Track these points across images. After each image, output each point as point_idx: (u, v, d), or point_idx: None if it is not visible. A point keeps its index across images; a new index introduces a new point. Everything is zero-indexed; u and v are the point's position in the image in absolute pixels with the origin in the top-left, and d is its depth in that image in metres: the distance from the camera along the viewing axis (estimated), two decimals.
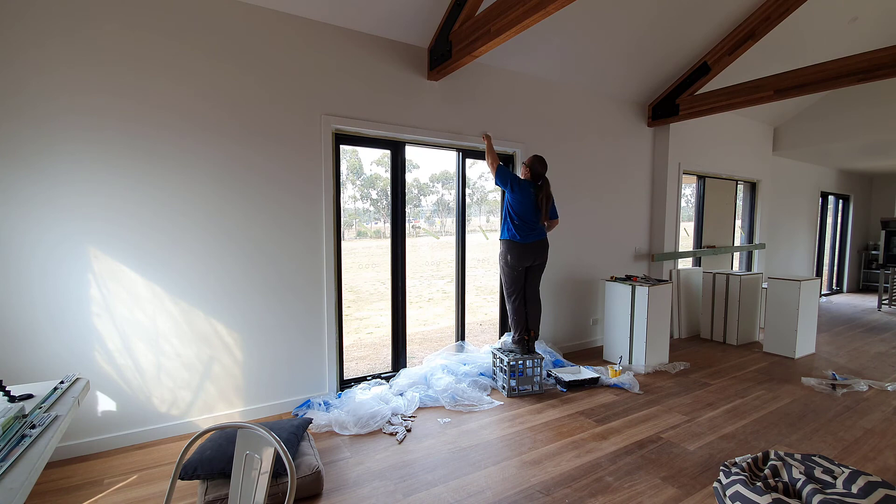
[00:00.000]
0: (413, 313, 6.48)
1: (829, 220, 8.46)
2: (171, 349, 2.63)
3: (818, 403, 3.20)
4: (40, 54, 2.23)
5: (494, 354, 3.50)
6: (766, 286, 4.54)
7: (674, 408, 3.11)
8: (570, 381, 3.42)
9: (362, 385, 3.21)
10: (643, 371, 3.81)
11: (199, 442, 2.22)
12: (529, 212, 3.34)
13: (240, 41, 2.71)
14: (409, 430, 2.76)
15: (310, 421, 2.41)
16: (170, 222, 2.59)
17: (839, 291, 8.61)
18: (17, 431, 1.20)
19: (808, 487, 1.79)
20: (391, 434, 2.72)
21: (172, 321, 2.63)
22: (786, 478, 1.91)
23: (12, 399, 1.39)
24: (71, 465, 2.36)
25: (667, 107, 4.77)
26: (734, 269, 6.25)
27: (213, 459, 1.95)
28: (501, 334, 4.21)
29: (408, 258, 3.55)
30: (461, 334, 3.92)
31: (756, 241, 6.42)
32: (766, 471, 1.98)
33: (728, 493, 1.85)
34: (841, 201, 8.61)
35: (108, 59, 2.38)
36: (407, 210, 3.49)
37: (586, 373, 3.64)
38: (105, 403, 2.50)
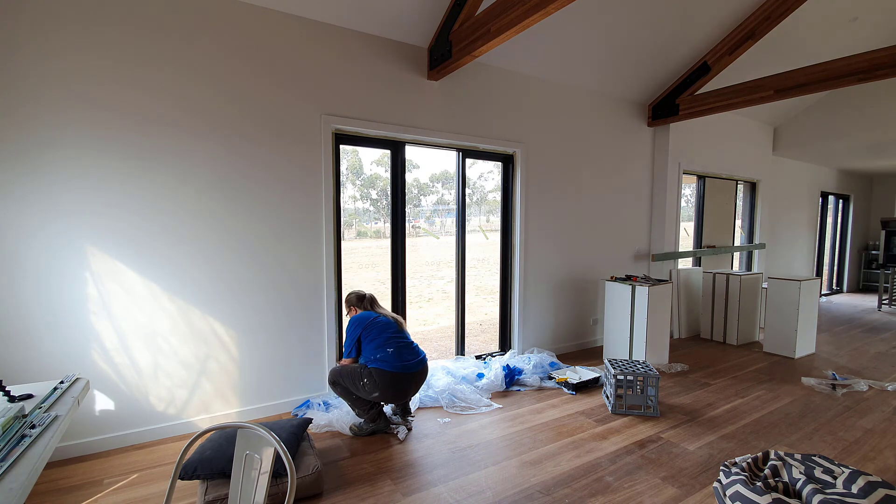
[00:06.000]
0: (413, 313, 6.49)
1: (829, 220, 8.46)
2: (168, 347, 2.63)
3: (818, 403, 3.20)
4: (40, 50, 2.23)
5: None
6: (766, 286, 4.54)
7: (674, 408, 3.11)
8: (577, 384, 3.42)
9: None
10: None
11: (198, 442, 2.22)
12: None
13: (240, 41, 2.71)
14: (409, 430, 2.76)
15: (310, 421, 2.41)
16: (168, 220, 2.59)
17: (839, 291, 8.61)
18: (17, 431, 1.20)
19: (808, 487, 1.79)
20: (391, 434, 2.71)
21: (170, 319, 2.62)
22: (786, 478, 1.91)
23: (12, 399, 1.39)
24: (70, 465, 2.36)
25: (667, 107, 4.77)
26: (734, 269, 6.25)
27: (213, 459, 1.95)
28: (501, 336, 4.21)
29: (408, 258, 3.55)
30: (461, 334, 3.92)
31: (756, 241, 6.42)
32: (766, 471, 1.98)
33: (728, 493, 1.85)
34: (841, 201, 8.61)
35: (106, 58, 2.37)
36: (407, 210, 3.49)
37: (587, 373, 3.64)
38: (103, 402, 2.49)
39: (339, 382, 2.67)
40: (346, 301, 2.95)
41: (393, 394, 2.66)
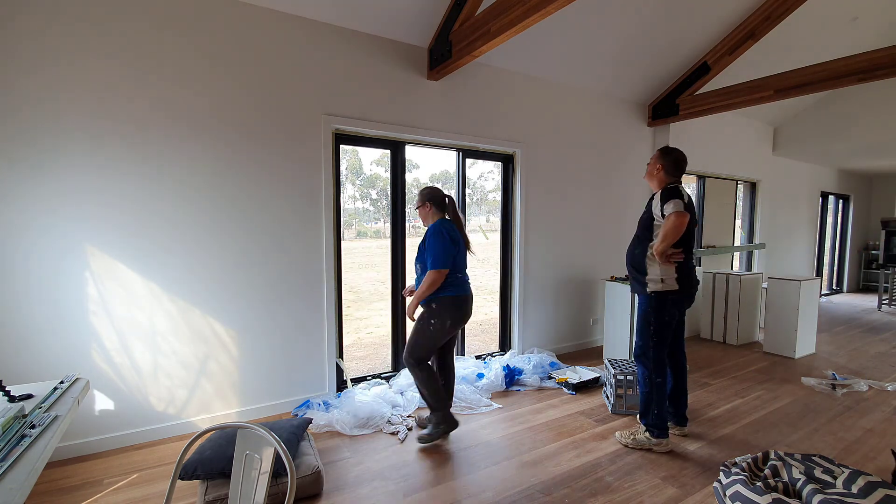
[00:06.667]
0: None
1: (829, 220, 8.46)
2: (168, 347, 2.63)
3: (818, 403, 3.20)
4: (38, 52, 2.23)
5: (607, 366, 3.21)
6: (766, 286, 4.54)
7: None
8: (577, 384, 3.41)
9: (362, 385, 3.21)
10: None
11: (198, 442, 2.22)
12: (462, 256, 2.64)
13: (240, 41, 2.71)
14: (409, 430, 2.76)
15: (310, 421, 2.41)
16: (168, 221, 2.59)
17: (839, 291, 8.61)
18: (16, 431, 1.20)
19: (808, 487, 1.79)
20: (391, 434, 2.72)
21: (170, 319, 2.62)
22: (786, 478, 1.91)
23: (12, 399, 1.39)
24: (70, 465, 2.36)
25: (667, 107, 4.77)
26: (734, 268, 6.25)
27: (212, 459, 1.95)
28: (501, 336, 4.21)
29: (408, 258, 3.55)
30: (461, 334, 3.92)
31: (756, 240, 6.42)
32: (766, 471, 1.98)
33: (728, 493, 1.85)
34: (841, 201, 8.61)
35: (106, 60, 2.37)
36: (407, 210, 3.49)
37: (587, 373, 3.64)
38: (103, 402, 2.49)
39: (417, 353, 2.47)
40: (422, 195, 2.60)
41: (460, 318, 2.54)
